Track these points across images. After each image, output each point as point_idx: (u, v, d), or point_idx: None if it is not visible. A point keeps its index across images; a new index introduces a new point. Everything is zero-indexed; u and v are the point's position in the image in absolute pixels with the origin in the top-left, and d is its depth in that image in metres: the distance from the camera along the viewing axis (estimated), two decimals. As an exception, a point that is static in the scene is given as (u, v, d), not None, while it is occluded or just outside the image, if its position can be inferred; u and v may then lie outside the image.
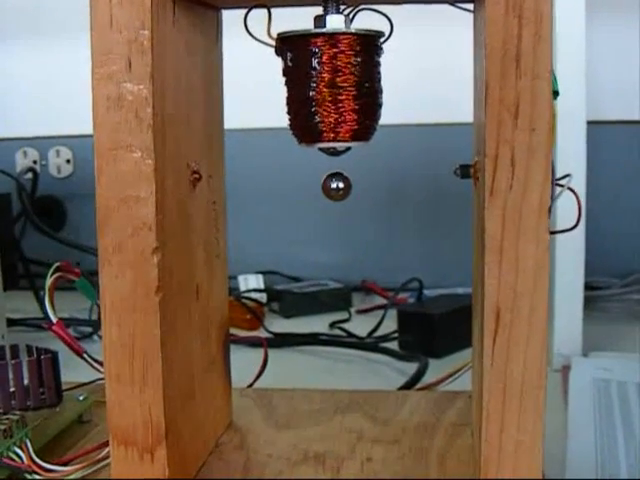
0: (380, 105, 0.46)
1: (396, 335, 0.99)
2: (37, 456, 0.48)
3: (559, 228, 0.44)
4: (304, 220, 1.34)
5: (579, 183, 0.83)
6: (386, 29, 0.47)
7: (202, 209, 0.50)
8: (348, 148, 0.46)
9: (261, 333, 1.06)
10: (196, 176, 0.48)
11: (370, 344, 0.99)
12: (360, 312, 1.18)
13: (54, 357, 0.55)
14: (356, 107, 0.45)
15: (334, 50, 0.44)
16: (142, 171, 0.41)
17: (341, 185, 0.47)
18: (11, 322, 0.95)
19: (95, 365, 0.52)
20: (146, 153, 0.41)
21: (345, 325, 1.08)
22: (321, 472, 0.49)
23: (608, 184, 1.22)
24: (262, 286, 1.24)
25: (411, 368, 0.86)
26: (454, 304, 0.99)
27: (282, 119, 0.47)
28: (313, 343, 1.01)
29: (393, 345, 0.97)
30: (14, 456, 0.48)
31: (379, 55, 0.46)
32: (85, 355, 0.52)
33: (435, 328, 0.95)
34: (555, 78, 0.39)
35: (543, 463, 0.40)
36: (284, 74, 0.46)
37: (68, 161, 1.42)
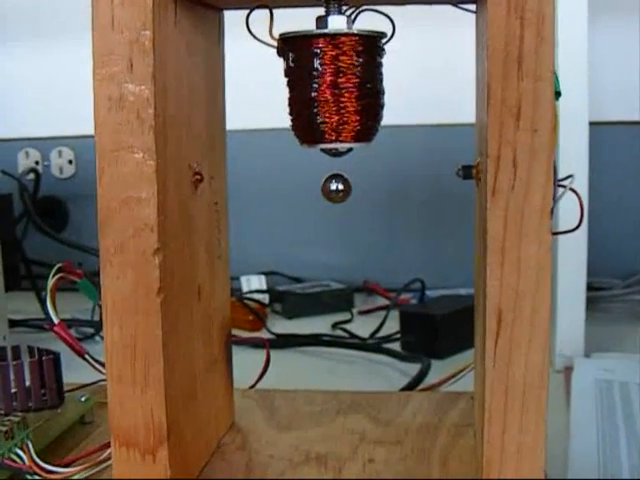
0: (382, 106, 0.46)
1: (398, 336, 0.99)
2: (38, 457, 0.48)
3: (561, 229, 0.44)
4: (306, 221, 1.34)
5: (581, 184, 0.83)
6: (388, 30, 0.47)
7: (204, 210, 0.50)
8: (350, 149, 0.46)
9: (263, 334, 1.06)
10: (198, 177, 0.48)
11: (372, 345, 0.99)
12: (362, 313, 1.18)
13: (56, 358, 0.55)
14: (358, 108, 0.45)
15: (336, 51, 0.44)
16: (144, 172, 0.41)
17: (341, 187, 0.47)
18: (13, 323, 0.95)
19: (97, 366, 0.52)
20: (148, 154, 0.41)
21: (347, 326, 1.08)
22: (323, 473, 0.49)
23: (610, 185, 1.22)
24: (264, 287, 1.24)
25: (413, 369, 0.85)
26: (456, 305, 0.99)
27: (284, 120, 0.47)
28: (315, 344, 1.01)
29: (395, 346, 0.97)
30: (15, 457, 0.48)
31: (381, 56, 0.46)
32: (87, 356, 0.52)
33: (437, 329, 0.94)
34: (557, 79, 0.39)
35: (545, 464, 0.40)
36: (286, 75, 0.46)
37: (70, 162, 1.42)
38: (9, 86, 1.41)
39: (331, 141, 0.45)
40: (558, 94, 0.39)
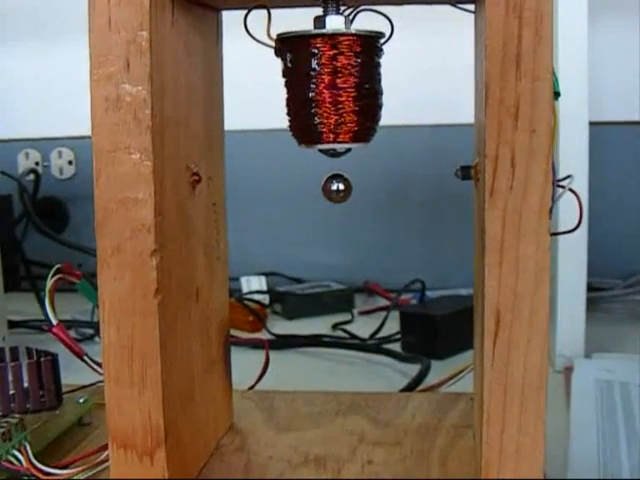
0: (380, 106, 0.46)
1: (398, 336, 0.99)
2: (36, 459, 0.48)
3: (561, 229, 0.44)
4: (306, 221, 1.34)
5: (581, 184, 0.83)
6: (386, 30, 0.47)
7: (202, 211, 0.50)
8: (348, 149, 0.46)
9: (263, 335, 1.05)
10: (196, 178, 0.48)
11: (372, 346, 0.99)
12: (362, 313, 1.18)
13: (54, 359, 0.55)
14: (356, 108, 0.44)
15: (334, 51, 0.44)
16: (141, 173, 0.41)
17: (341, 187, 0.47)
18: (12, 324, 0.95)
19: (95, 367, 0.51)
20: (145, 155, 0.41)
21: (347, 326, 1.08)
22: (322, 474, 0.48)
23: (610, 185, 1.22)
24: (264, 288, 1.24)
25: (413, 370, 0.85)
26: (457, 305, 0.99)
27: (282, 120, 0.47)
28: (315, 345, 1.00)
29: (395, 346, 0.97)
30: (13, 459, 0.48)
31: (379, 56, 0.46)
32: (85, 357, 0.52)
33: (437, 329, 0.94)
34: (557, 79, 0.39)
35: (545, 464, 0.40)
36: (284, 75, 0.46)
37: (70, 162, 1.42)
38: (9, 86, 1.41)
39: (329, 142, 0.45)
40: (557, 94, 0.39)
